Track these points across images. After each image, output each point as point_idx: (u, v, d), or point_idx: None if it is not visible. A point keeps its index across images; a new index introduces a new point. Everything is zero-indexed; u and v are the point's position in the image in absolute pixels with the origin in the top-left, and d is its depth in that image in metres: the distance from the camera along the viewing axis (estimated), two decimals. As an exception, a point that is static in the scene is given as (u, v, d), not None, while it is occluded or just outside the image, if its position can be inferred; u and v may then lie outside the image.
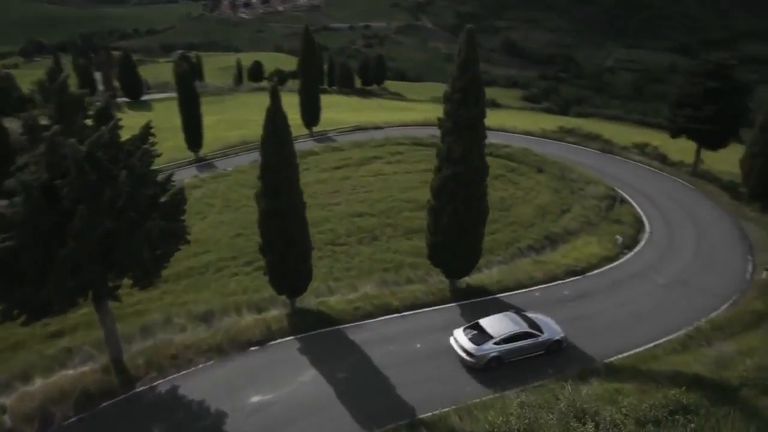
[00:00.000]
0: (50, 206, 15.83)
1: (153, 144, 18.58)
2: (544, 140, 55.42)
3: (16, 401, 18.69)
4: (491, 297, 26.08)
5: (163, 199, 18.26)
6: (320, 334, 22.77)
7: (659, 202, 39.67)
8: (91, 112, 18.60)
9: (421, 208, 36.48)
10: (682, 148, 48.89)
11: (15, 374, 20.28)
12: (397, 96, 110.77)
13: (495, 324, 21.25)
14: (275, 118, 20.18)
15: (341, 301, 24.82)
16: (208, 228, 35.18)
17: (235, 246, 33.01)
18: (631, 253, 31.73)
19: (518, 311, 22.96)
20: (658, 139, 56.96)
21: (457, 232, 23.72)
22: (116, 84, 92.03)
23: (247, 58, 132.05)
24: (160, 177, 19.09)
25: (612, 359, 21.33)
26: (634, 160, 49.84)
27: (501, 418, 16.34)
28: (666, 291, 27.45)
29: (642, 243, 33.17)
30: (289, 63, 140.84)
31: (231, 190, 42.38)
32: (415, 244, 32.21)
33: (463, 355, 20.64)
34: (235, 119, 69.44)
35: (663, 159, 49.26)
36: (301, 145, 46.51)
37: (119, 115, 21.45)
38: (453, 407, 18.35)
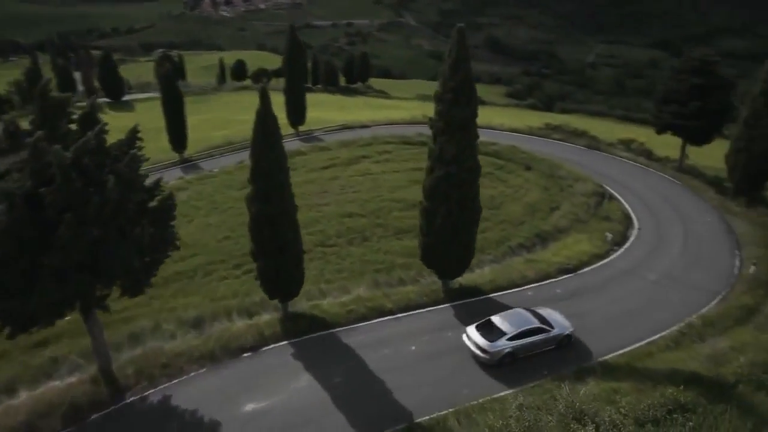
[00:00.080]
0: (35, 215, 15.29)
1: (140, 148, 18.07)
2: (530, 137, 55.52)
3: (1, 416, 18.04)
4: (484, 297, 25.99)
5: (152, 205, 17.80)
6: (314, 339, 22.47)
7: (647, 198, 39.94)
8: (75, 116, 18.00)
9: (410, 207, 36.42)
10: (667, 144, 49.29)
11: (-2, 387, 19.69)
12: (382, 94, 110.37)
13: (507, 320, 21.39)
14: (265, 120, 19.81)
15: (334, 304, 24.52)
16: (195, 231, 34.62)
17: (224, 249, 32.55)
18: (621, 250, 31.89)
19: (527, 307, 23.05)
20: (643, 135, 57.39)
21: (450, 233, 23.55)
22: (96, 84, 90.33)
23: (230, 57, 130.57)
24: (148, 182, 18.61)
25: (607, 357, 21.38)
26: (621, 156, 50.16)
27: (501, 421, 16.20)
28: (657, 287, 27.61)
29: (631, 239, 33.35)
30: (272, 61, 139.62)
31: (217, 191, 41.79)
32: (406, 245, 32.04)
33: (477, 351, 20.69)
34: (219, 119, 68.59)
35: (649, 155, 49.64)
36: (288, 145, 45.44)
37: (100, 116, 20.83)
38: (451, 410, 18.19)
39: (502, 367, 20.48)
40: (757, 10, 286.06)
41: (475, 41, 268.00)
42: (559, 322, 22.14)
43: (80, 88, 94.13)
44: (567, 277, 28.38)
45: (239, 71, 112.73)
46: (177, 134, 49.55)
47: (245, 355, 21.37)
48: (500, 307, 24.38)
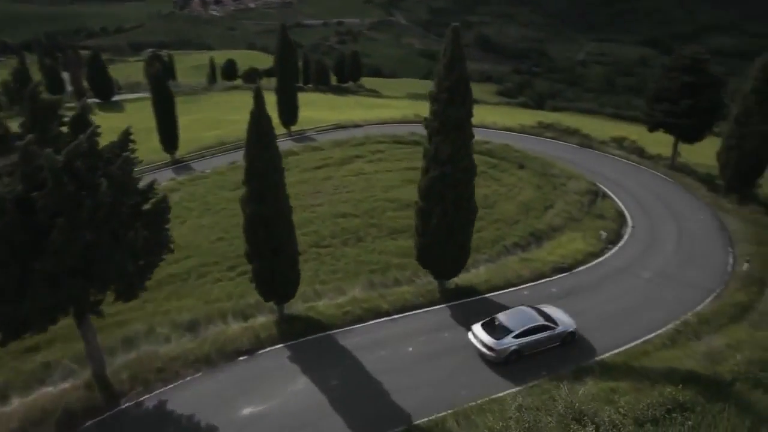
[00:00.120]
0: (26, 220, 15.02)
1: (133, 150, 17.82)
2: (523, 135, 55.57)
3: (-6, 423, 17.83)
4: (480, 297, 25.93)
5: (145, 208, 17.55)
6: (310, 341, 22.31)
7: (639, 195, 40.08)
8: (66, 119, 17.72)
9: (404, 207, 36.34)
10: (659, 141, 49.51)
11: (-10, 394, 19.38)
12: (374, 93, 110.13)
13: (513, 318, 21.53)
14: (260, 121, 19.62)
15: (330, 306, 24.36)
16: (188, 232, 34.34)
17: (217, 250, 32.29)
18: (616, 248, 31.92)
19: (531, 305, 23.15)
20: (634, 133, 57.65)
21: (446, 234, 23.46)
22: (85, 84, 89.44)
23: (220, 56, 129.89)
24: (142, 184, 18.36)
25: (604, 356, 21.40)
26: (613, 154, 50.31)
27: (501, 423, 16.14)
28: (651, 285, 27.66)
29: (625, 237, 33.41)
30: (262, 61, 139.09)
31: (210, 192, 41.49)
32: (401, 245, 31.95)
33: (483, 349, 20.76)
34: (210, 119, 68.17)
35: (641, 152, 49.81)
36: (280, 145, 44.73)
37: (92, 118, 20.52)
38: (450, 412, 18.12)
39: (508, 364, 20.62)
40: (744, 8, 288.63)
41: (465, 40, 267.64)
42: (563, 319, 22.32)
43: (69, 88, 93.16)
44: (562, 276, 28.37)
45: (230, 71, 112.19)
46: (168, 135, 49.16)
47: (241, 358, 21.18)
48: (497, 307, 24.37)
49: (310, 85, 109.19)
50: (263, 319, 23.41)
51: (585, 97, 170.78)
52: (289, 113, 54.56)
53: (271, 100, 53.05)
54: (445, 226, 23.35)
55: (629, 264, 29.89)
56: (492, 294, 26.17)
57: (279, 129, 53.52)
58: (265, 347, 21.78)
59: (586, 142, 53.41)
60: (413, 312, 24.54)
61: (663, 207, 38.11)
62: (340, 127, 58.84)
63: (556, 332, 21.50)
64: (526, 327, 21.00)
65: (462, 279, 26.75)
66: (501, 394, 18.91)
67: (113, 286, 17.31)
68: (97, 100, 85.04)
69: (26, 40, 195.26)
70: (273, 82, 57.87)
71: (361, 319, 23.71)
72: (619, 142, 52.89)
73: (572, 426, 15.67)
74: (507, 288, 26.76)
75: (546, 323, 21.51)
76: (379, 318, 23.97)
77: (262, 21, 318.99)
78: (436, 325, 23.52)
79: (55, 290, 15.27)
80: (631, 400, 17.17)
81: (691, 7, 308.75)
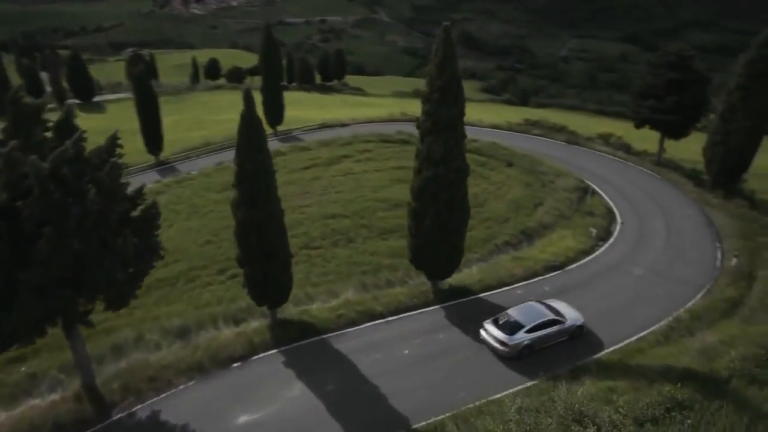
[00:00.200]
0: (11, 229, 14.51)
1: (120, 155, 17.33)
2: (510, 133, 55.76)
3: (-20, 438, 17.28)
4: (474, 297, 25.84)
5: (134, 214, 17.09)
6: (305, 345, 22.00)
7: (627, 192, 40.35)
8: (50, 123, 17.17)
9: (394, 207, 36.15)
10: (645, 138, 49.91)
11: (-25, 408, 18.75)
12: (359, 91, 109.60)
13: (523, 313, 21.86)
14: (250, 123, 19.26)
15: (323, 309, 24.07)
16: (175, 236, 33.74)
17: (206, 254, 31.79)
18: (606, 245, 32.08)
19: (539, 300, 23.50)
20: (619, 129, 58.16)
21: (439, 234, 23.29)
22: (65, 85, 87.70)
23: (203, 55, 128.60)
24: (130, 189, 17.89)
25: (600, 355, 21.42)
26: (600, 151, 50.65)
27: (501, 426, 16.01)
28: (642, 282, 27.82)
29: (615, 234, 33.59)
30: (245, 59, 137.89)
31: (197, 194, 40.87)
32: (391, 245, 31.76)
33: (497, 345, 21.03)
34: (194, 120, 67.28)
35: (627, 149, 50.22)
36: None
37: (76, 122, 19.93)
38: (449, 415, 17.96)
39: (521, 359, 20.89)
40: (723, 4, 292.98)
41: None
42: (571, 313, 22.70)
43: (48, 89, 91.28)
44: (554, 274, 28.41)
45: (213, 70, 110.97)
46: (152, 136, 48.34)
47: (235, 365, 20.79)
48: (491, 307, 24.34)
49: (294, 84, 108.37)
50: (256, 324, 23.04)
51: (568, 93, 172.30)
52: (275, 113, 53.99)
53: (256, 100, 52.74)
54: (438, 227, 23.18)
55: (620, 261, 30.03)
56: (486, 294, 26.10)
57: (265, 129, 53.14)
58: (259, 353, 21.42)
59: (572, 138, 53.71)
60: (407, 314, 24.35)
61: (651, 203, 38.40)
62: (326, 126, 58.45)
63: (565, 326, 21.95)
64: (537, 322, 21.38)
65: (455, 279, 26.63)
66: (499, 395, 18.78)
67: (103, 296, 16.82)
68: (77, 101, 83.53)
69: (2, 40, 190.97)
70: (257, 81, 57.10)
71: (355, 322, 23.45)
72: (605, 138, 53.27)
73: (573, 427, 15.62)
74: (500, 287, 26.71)
75: (556, 318, 21.92)
76: (374, 320, 23.74)
77: (244, 19, 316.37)
78: (431, 326, 23.36)
79: (43, 301, 14.78)
80: (629, 399, 17.16)
81: (671, 3, 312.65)
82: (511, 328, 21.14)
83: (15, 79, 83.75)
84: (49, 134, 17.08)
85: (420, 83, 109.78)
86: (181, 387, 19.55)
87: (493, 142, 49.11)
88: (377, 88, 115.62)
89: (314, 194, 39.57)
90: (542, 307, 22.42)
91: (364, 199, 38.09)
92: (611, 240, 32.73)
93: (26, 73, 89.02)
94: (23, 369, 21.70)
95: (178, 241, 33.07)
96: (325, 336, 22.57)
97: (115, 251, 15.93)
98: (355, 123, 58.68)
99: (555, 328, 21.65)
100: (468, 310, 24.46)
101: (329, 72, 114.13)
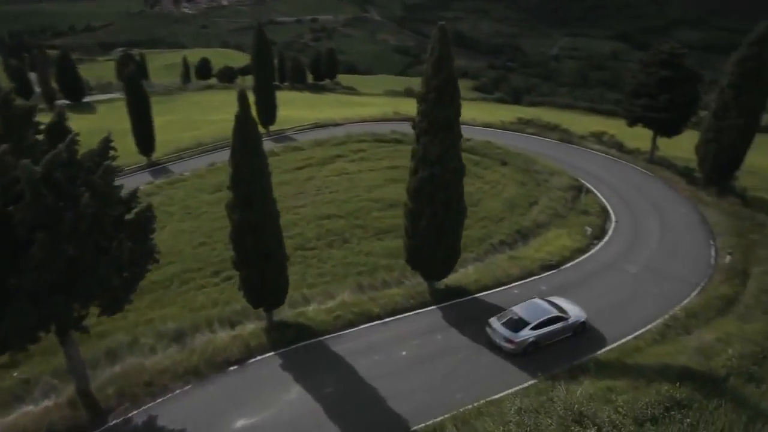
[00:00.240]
0: (3, 234, 14.25)
1: (114, 158, 17.10)
2: (504, 132, 55.81)
3: (-28, 446, 17.00)
4: (471, 297, 25.74)
5: (129, 218, 16.86)
6: (301, 348, 21.82)
7: (621, 190, 40.46)
8: (42, 126, 16.90)
9: (388, 207, 36.08)
10: (637, 135, 50.07)
11: (-34, 415, 18.44)
12: (351, 90, 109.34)
13: (528, 310, 22.01)
14: (245, 124, 19.07)
15: (320, 311, 23.89)
16: (169, 238, 33.43)
17: (200, 256, 31.55)
18: (601, 243, 32.13)
19: (543, 297, 23.62)
20: (612, 127, 58.35)
21: (436, 235, 23.19)
22: (54, 85, 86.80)
23: (194, 55, 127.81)
24: (124, 192, 17.65)
25: (598, 354, 21.43)
26: (593, 149, 50.75)
27: (501, 427, 15.95)
28: (638, 280, 27.85)
29: (609, 233, 33.65)
30: (237, 59, 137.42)
31: (190, 196, 40.59)
32: (387, 245, 31.66)
33: (502, 342, 21.13)
34: (186, 120, 66.78)
35: (620, 147, 50.38)
36: (261, 146, 45.05)
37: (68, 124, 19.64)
38: (448, 416, 17.88)
39: (526, 355, 21.02)
40: (711, 3, 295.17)
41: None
42: (574, 310, 22.84)
43: (37, 90, 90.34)
44: (550, 273, 28.40)
45: (204, 70, 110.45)
46: (144, 137, 47.93)
47: (231, 368, 20.58)
48: (488, 307, 24.30)
49: (286, 84, 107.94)
50: (252, 327, 22.83)
51: (559, 91, 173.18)
52: (267, 113, 53.71)
53: (249, 100, 52.50)
54: (435, 228, 23.08)
55: (615, 259, 30.08)
56: (482, 294, 26.02)
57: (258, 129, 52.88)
58: (256, 356, 21.21)
59: (566, 137, 53.81)
60: (404, 315, 24.22)
61: (644, 201, 38.52)
62: (319, 126, 58.24)
63: (569, 323, 22.08)
64: (541, 319, 21.51)
65: (452, 279, 26.52)
66: (498, 396, 18.73)
67: (97, 301, 16.58)
68: (67, 102, 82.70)
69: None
70: (249, 80, 56.79)
71: (352, 324, 23.30)
72: (598, 136, 53.43)
73: (573, 428, 15.58)
74: (497, 287, 26.65)
75: (560, 314, 22.04)
76: (371, 322, 23.59)
77: (235, 19, 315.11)
78: (429, 327, 23.27)
79: (36, 307, 14.54)
80: (629, 399, 17.13)
81: (661, 1, 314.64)
82: (516, 325, 21.27)
83: (2, 80, 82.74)
84: (40, 137, 16.83)
85: (412, 82, 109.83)
86: (178, 391, 19.31)
87: (487, 140, 49.13)
88: (369, 87, 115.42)
89: (308, 195, 39.40)
90: (546, 304, 22.56)
91: (358, 199, 37.97)
92: (606, 238, 32.78)
93: (14, 73, 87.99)
94: (16, 374, 21.41)
95: (172, 242, 32.78)
96: (322, 338, 22.41)
97: (110, 256, 15.69)
98: (348, 122, 58.52)
99: (559, 325, 21.79)
100: (465, 311, 24.40)
101: (321, 71, 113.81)
